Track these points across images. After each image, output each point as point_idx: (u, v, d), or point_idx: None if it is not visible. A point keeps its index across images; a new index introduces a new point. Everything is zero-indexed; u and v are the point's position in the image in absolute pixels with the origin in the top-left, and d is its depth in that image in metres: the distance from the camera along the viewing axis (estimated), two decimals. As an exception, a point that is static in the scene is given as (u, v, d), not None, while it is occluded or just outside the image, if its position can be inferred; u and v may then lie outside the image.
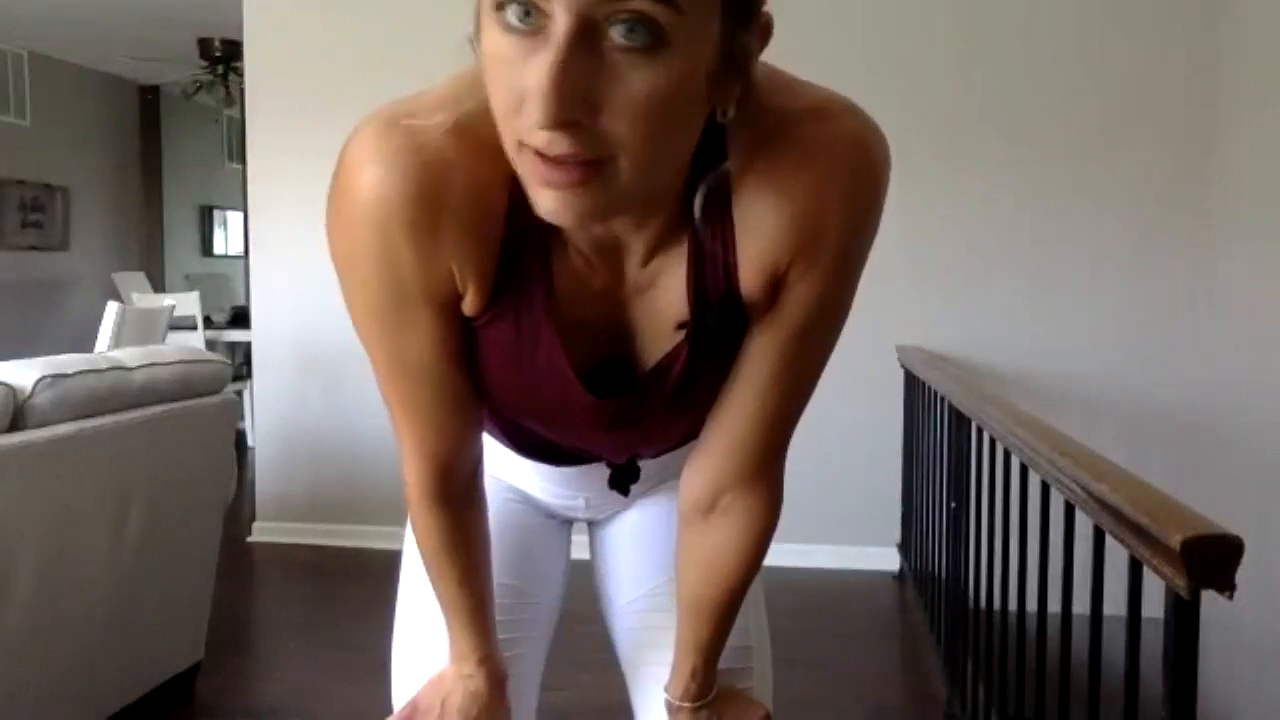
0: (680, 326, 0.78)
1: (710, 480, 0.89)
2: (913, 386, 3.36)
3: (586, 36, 0.56)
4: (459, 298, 0.76)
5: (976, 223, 3.60)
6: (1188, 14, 3.48)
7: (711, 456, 0.88)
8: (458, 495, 0.91)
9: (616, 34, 0.56)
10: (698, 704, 0.99)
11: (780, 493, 0.91)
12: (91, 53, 6.69)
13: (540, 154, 0.59)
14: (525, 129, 0.59)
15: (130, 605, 2.24)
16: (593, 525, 1.19)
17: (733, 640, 0.99)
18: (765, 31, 0.65)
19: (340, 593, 3.51)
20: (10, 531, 1.88)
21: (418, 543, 0.95)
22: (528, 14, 0.57)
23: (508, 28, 0.58)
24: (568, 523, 1.18)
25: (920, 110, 3.54)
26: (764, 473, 0.89)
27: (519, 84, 0.58)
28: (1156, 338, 3.56)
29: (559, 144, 0.58)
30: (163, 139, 7.80)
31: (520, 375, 0.82)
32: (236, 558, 3.71)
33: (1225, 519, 1.05)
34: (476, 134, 0.68)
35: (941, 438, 2.75)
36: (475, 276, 0.74)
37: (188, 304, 5.64)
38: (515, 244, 0.73)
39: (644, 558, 1.12)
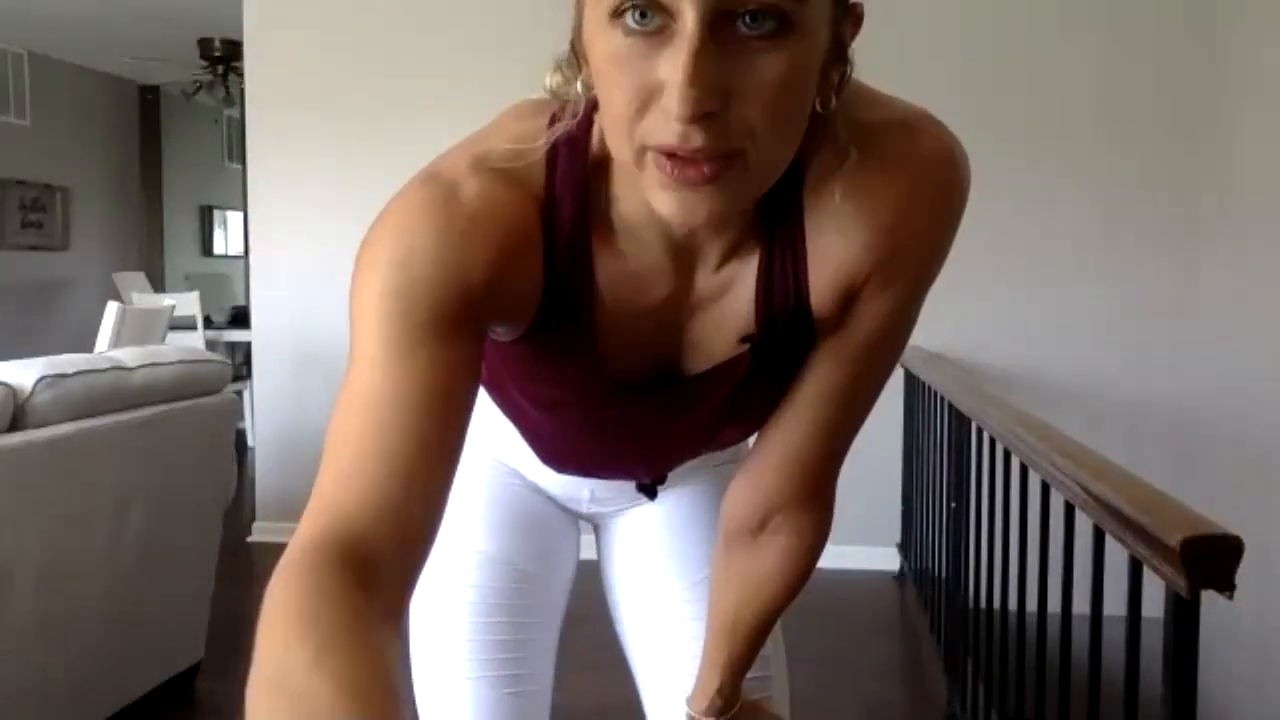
0: (744, 339, 0.77)
1: (762, 499, 0.87)
2: (913, 386, 3.36)
3: (716, 28, 0.56)
4: (500, 319, 0.73)
5: (977, 223, 3.58)
6: (1187, 16, 3.48)
7: (764, 473, 0.86)
8: (373, 583, 0.58)
9: (743, 23, 0.57)
10: (721, 719, 0.98)
11: (831, 512, 0.89)
12: (91, 53, 6.69)
13: (668, 155, 0.59)
14: (652, 129, 0.59)
15: (130, 605, 2.24)
16: (597, 526, 1.17)
17: None
18: (858, 20, 0.66)
19: (340, 593, 3.50)
20: (10, 531, 1.88)
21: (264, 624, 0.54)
22: (644, 15, 0.57)
23: (627, 31, 0.58)
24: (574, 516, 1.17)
25: (920, 110, 3.53)
26: (818, 491, 0.86)
27: (643, 85, 0.58)
28: (1157, 338, 3.56)
29: (694, 137, 0.57)
30: (163, 139, 7.80)
31: (556, 381, 0.81)
32: (236, 558, 3.71)
33: (1225, 519, 1.05)
34: (499, 175, 0.69)
35: (941, 438, 2.75)
36: (514, 315, 0.73)
37: (188, 304, 5.64)
38: (554, 261, 0.72)
39: (655, 562, 1.11)
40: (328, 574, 0.56)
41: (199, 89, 6.61)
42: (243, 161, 4.19)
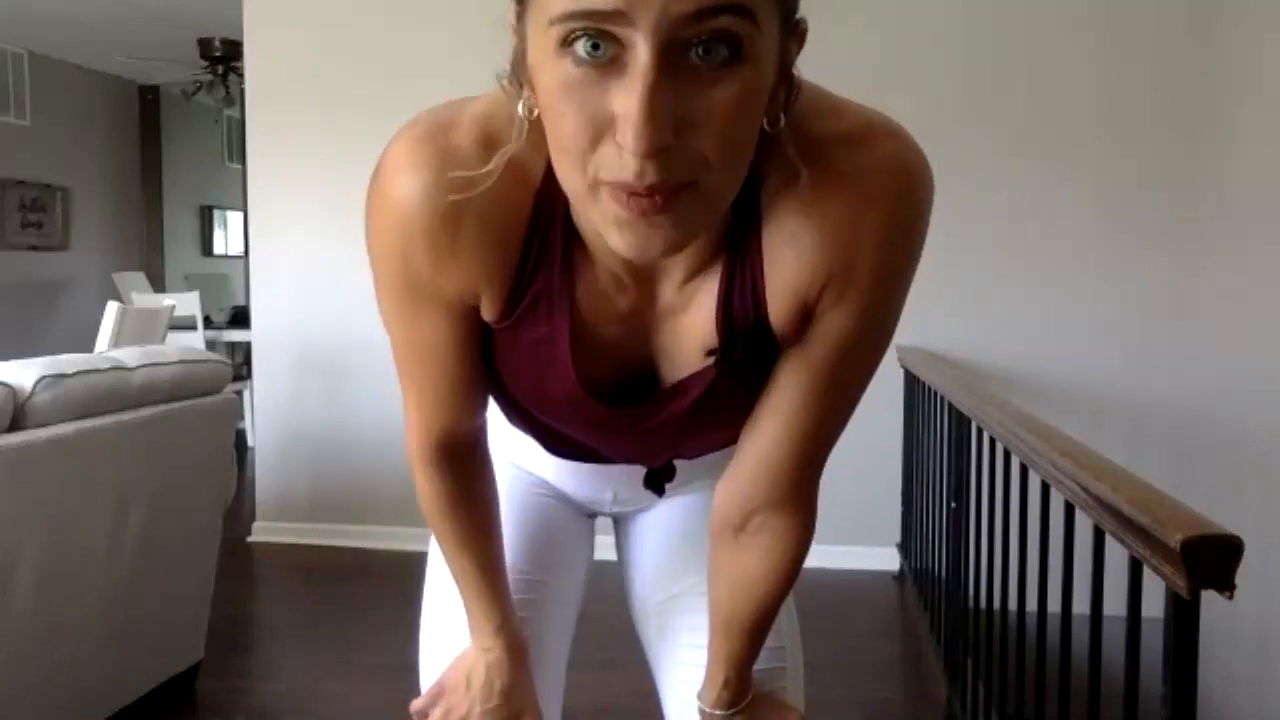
0: (709, 353, 0.77)
1: (741, 501, 0.88)
2: (913, 386, 3.36)
3: (668, 58, 0.56)
4: (474, 304, 0.77)
5: (977, 223, 3.60)
6: (1187, 16, 3.48)
7: (742, 477, 0.87)
8: (458, 460, 0.92)
9: (696, 54, 0.56)
10: (731, 711, 0.99)
11: (813, 516, 0.90)
12: (91, 53, 6.69)
13: (621, 189, 0.58)
14: (606, 163, 0.58)
15: (130, 605, 2.24)
16: (619, 521, 1.19)
17: (767, 640, 0.99)
18: (802, 37, 0.65)
19: (340, 593, 3.51)
20: (10, 531, 1.88)
21: (421, 506, 0.95)
22: (596, 47, 0.56)
23: (577, 61, 0.57)
24: (591, 516, 1.18)
25: (919, 111, 3.52)
26: (796, 495, 0.87)
27: (595, 117, 0.58)
28: (1157, 338, 3.56)
29: (650, 173, 0.57)
30: (163, 139, 7.80)
31: (535, 381, 0.82)
32: (236, 558, 3.71)
33: (1225, 519, 1.05)
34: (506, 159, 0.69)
35: (941, 438, 2.75)
36: (490, 289, 0.75)
37: (188, 304, 5.63)
38: (536, 261, 0.74)
39: (674, 556, 1.12)
40: (445, 468, 0.91)
41: (199, 89, 6.61)
42: (243, 161, 4.18)
